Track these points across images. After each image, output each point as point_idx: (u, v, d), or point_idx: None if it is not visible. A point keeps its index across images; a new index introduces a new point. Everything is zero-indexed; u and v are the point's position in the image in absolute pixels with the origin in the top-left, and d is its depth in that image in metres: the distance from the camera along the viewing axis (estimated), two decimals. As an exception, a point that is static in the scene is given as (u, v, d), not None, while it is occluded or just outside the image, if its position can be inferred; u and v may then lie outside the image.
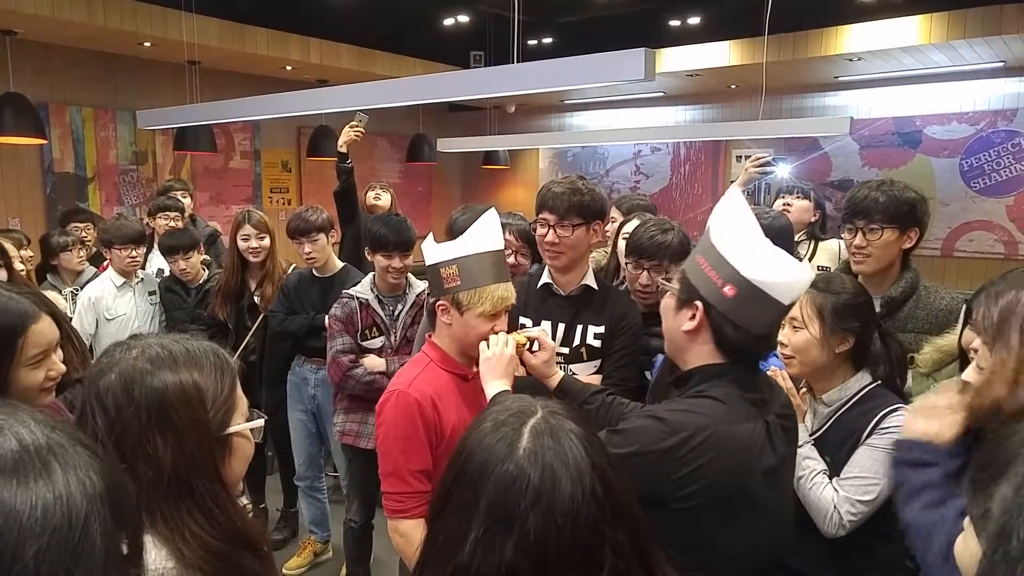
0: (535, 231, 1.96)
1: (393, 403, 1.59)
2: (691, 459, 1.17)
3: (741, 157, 6.84)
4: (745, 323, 1.23)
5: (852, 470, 1.55)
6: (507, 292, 1.64)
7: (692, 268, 1.31)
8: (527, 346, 1.65)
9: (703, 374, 1.28)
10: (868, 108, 6.20)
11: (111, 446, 0.93)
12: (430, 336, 1.74)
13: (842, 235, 2.08)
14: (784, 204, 3.29)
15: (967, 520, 0.77)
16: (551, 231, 1.87)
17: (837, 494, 1.54)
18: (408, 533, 1.53)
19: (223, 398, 0.99)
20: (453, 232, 2.47)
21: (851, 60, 5.33)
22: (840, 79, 6.08)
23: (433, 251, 1.66)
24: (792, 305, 1.28)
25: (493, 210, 1.75)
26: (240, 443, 1.02)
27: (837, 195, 6.13)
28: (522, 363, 1.65)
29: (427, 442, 1.56)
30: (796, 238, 3.19)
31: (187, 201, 4.15)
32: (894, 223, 1.91)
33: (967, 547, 0.75)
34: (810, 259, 3.30)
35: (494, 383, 1.51)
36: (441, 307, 1.65)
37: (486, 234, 1.65)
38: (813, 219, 3.42)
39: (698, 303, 1.26)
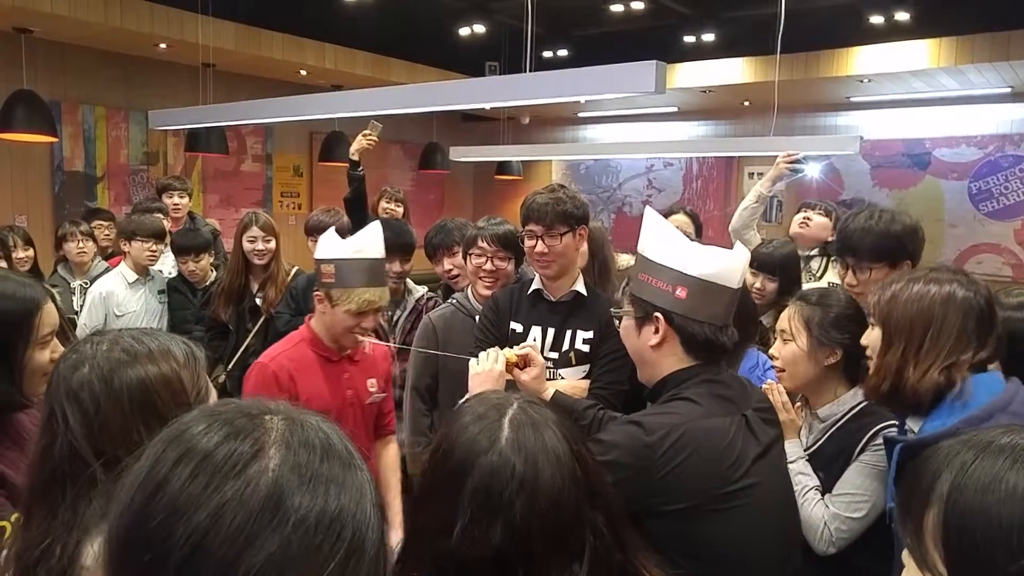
0: (523, 241, 1.99)
1: (255, 373, 1.89)
2: (671, 456, 1.20)
3: (753, 174, 6.84)
4: (706, 317, 1.31)
5: (843, 487, 1.55)
6: (374, 296, 1.88)
7: (639, 287, 1.39)
8: (517, 363, 1.66)
9: (673, 380, 1.34)
10: (878, 129, 6.20)
11: (85, 444, 0.91)
12: (309, 318, 2.00)
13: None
14: (804, 218, 3.24)
15: (905, 554, 0.75)
16: (539, 242, 1.90)
17: (827, 510, 1.54)
18: None
19: (199, 384, 1.00)
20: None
21: (862, 81, 5.34)
22: (851, 100, 6.09)
23: (321, 247, 1.92)
24: (740, 288, 1.36)
25: (377, 223, 2.00)
26: None
27: (842, 213, 6.13)
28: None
29: None
30: (809, 253, 3.15)
31: (184, 201, 4.08)
32: (883, 260, 1.88)
33: None
34: (821, 276, 3.27)
35: None
36: (318, 297, 1.93)
37: (365, 243, 1.91)
38: (830, 238, 3.38)
39: (657, 315, 1.33)
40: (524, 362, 1.64)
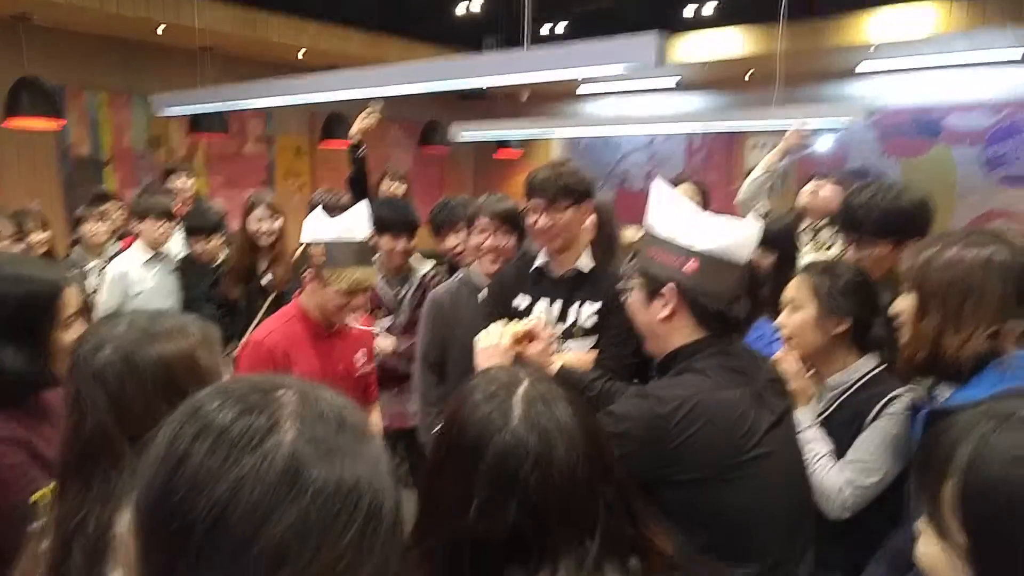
0: (526, 216, 1.99)
1: (251, 349, 1.96)
2: (684, 427, 1.20)
3: (756, 145, 6.78)
4: (716, 289, 1.30)
5: (856, 453, 1.55)
6: (364, 276, 1.93)
7: (646, 263, 1.37)
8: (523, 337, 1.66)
9: (684, 353, 1.33)
10: (888, 97, 6.10)
11: (112, 423, 0.95)
12: (298, 294, 2.06)
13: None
14: (814, 188, 3.21)
15: (922, 522, 0.75)
16: (542, 216, 1.90)
17: (842, 476, 1.54)
18: None
19: (215, 361, 1.02)
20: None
21: (870, 49, 5.25)
22: (859, 68, 6.00)
23: (309, 229, 1.96)
24: (748, 262, 1.34)
25: (363, 203, 2.04)
26: None
27: (856, 182, 6.06)
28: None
29: None
30: (819, 224, 3.13)
31: (189, 183, 4.21)
32: (888, 237, 1.81)
33: (927, 550, 0.73)
34: (830, 247, 3.26)
35: None
36: (308, 276, 1.98)
37: (352, 224, 1.95)
38: None
39: (666, 288, 1.32)
40: (529, 336, 1.64)
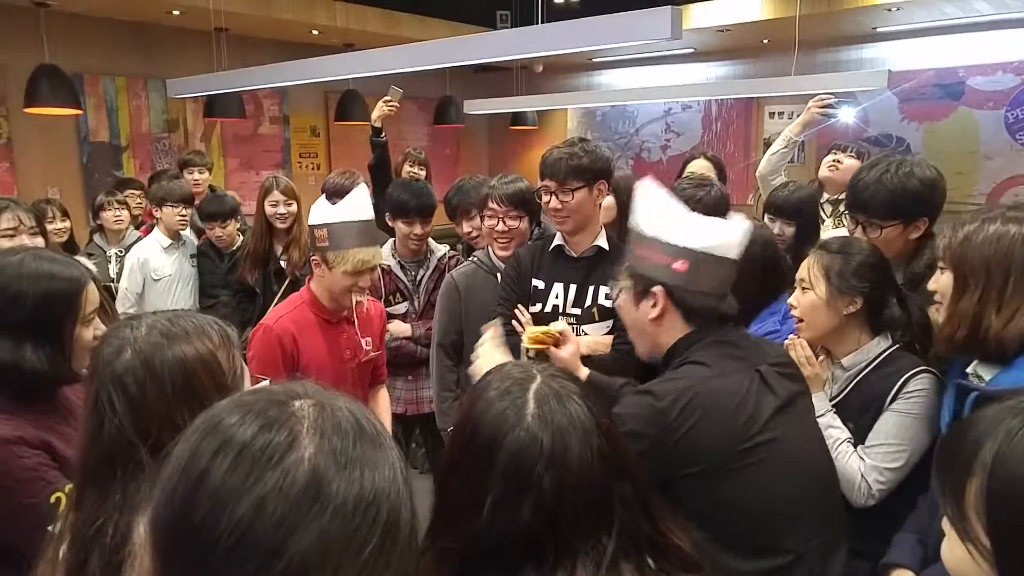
0: (540, 197, 1.98)
1: (260, 335, 2.00)
2: (683, 420, 1.20)
3: (774, 114, 6.66)
4: (705, 288, 1.31)
5: (878, 437, 1.52)
6: (369, 256, 1.94)
7: (636, 263, 1.37)
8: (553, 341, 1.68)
9: (681, 346, 1.34)
10: (908, 60, 5.95)
11: (132, 429, 0.94)
12: (309, 279, 2.09)
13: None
14: (833, 160, 3.14)
15: (946, 523, 0.72)
16: (553, 197, 1.89)
17: (864, 463, 1.51)
18: None
19: (234, 365, 1.02)
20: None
21: (890, 10, 5.12)
22: (878, 30, 5.85)
23: (313, 213, 1.99)
24: (738, 259, 1.34)
25: (363, 185, 2.06)
26: None
27: (875, 152, 5.94)
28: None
29: (283, 369, 1.94)
30: (838, 196, 3.09)
31: (204, 176, 4.17)
32: (896, 219, 1.74)
33: (952, 551, 0.71)
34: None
35: None
36: (315, 261, 2.01)
37: (354, 205, 1.97)
38: None
39: (655, 288, 1.32)
40: (556, 341, 1.65)
